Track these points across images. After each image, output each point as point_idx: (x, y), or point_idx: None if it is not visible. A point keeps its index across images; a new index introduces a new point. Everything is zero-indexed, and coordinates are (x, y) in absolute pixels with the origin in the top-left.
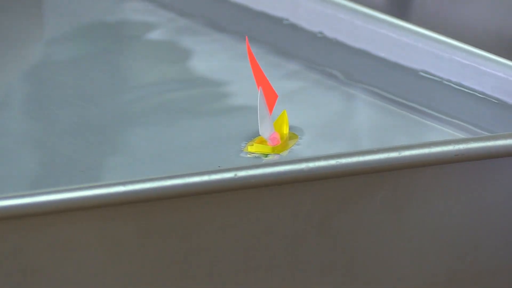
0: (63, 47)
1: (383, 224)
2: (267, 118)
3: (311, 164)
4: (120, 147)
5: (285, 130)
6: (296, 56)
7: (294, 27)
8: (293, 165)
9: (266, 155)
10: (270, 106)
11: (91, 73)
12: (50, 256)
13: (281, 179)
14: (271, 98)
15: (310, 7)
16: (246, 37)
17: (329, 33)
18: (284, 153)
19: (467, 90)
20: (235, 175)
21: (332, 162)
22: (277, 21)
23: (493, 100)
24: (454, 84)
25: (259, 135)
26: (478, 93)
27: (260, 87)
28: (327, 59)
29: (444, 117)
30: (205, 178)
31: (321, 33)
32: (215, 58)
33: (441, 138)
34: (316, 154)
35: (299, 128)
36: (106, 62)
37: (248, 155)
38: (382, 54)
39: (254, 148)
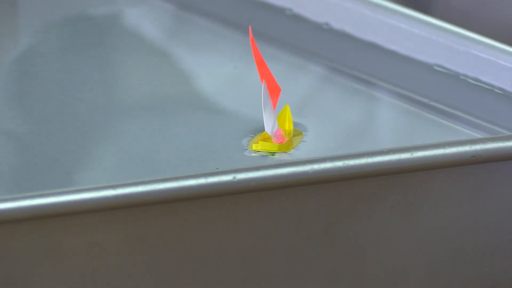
0: (49, 40)
1: (393, 231)
2: (271, 113)
3: (316, 166)
4: (110, 147)
5: (290, 126)
6: (300, 49)
7: (297, 18)
8: (297, 167)
9: (273, 154)
10: (274, 101)
11: (78, 68)
12: (33, 265)
13: (283, 182)
14: (274, 92)
15: None
16: (250, 27)
17: (336, 24)
18: (291, 151)
19: (485, 86)
20: (234, 177)
21: (339, 163)
22: (280, 12)
23: None
24: (470, 79)
25: (262, 131)
26: (497, 89)
27: (263, 80)
28: (333, 53)
29: (460, 114)
30: (202, 181)
31: (327, 24)
32: (212, 51)
33: (456, 138)
34: (322, 152)
35: (302, 125)
36: (95, 56)
37: (253, 154)
38: (393, 47)
39: (259, 146)
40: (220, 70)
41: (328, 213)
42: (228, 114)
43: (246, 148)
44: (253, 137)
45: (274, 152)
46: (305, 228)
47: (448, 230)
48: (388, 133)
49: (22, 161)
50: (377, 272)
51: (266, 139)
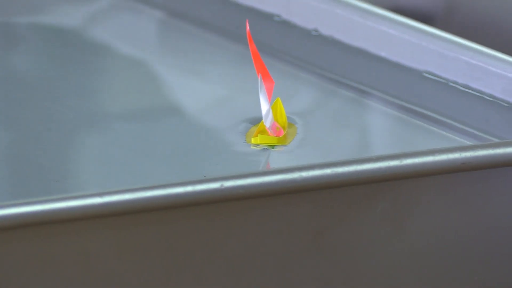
0: (30, 46)
1: (383, 239)
2: (268, 106)
3: (305, 174)
4: (96, 154)
5: (283, 119)
6: (289, 56)
7: (286, 24)
8: (285, 175)
9: (273, 147)
10: (268, 94)
11: (64, 75)
12: (19, 273)
13: (272, 190)
14: (268, 85)
15: (303, 2)
16: (247, 20)
17: (325, 30)
18: (288, 144)
19: (475, 93)
20: (222, 185)
21: (328, 171)
22: (268, 18)
23: (504, 104)
24: (460, 86)
25: (255, 125)
26: (487, 96)
27: (259, 73)
28: (323, 59)
29: (449, 121)
30: (189, 188)
31: (316, 30)
32: (200, 58)
33: (446, 145)
34: (317, 147)
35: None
36: (81, 63)
37: (253, 147)
38: (382, 53)
39: (259, 139)
40: (208, 77)
41: (317, 220)
42: (216, 120)
43: (245, 142)
44: (249, 129)
45: (274, 145)
46: (295, 236)
47: (438, 237)
48: (377, 140)
49: (8, 169)
50: (367, 280)
51: (263, 131)
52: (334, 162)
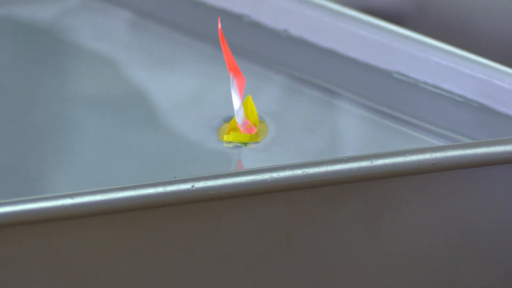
0: (3, 48)
1: (354, 240)
2: (240, 103)
3: (275, 174)
4: (67, 155)
5: (255, 117)
6: (258, 56)
7: (255, 25)
8: (256, 175)
9: (245, 144)
10: (240, 92)
11: (33, 74)
12: None
13: (243, 191)
14: (240, 83)
15: (273, 2)
16: (219, 18)
17: (295, 31)
18: (260, 141)
19: (445, 94)
20: (193, 186)
21: (298, 172)
22: (237, 19)
23: (474, 104)
24: (431, 86)
25: (227, 122)
26: (458, 97)
27: (231, 71)
28: (292, 60)
29: (419, 122)
30: (160, 189)
31: (285, 31)
32: (171, 59)
33: (417, 146)
34: (290, 145)
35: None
36: (51, 65)
37: (225, 145)
38: (352, 54)
39: (231, 137)
40: (179, 76)
41: (288, 221)
42: (188, 118)
43: (217, 139)
44: (221, 126)
45: (246, 143)
46: (266, 236)
47: (409, 238)
48: (347, 141)
49: None
50: (338, 281)
51: (234, 128)
52: (304, 163)
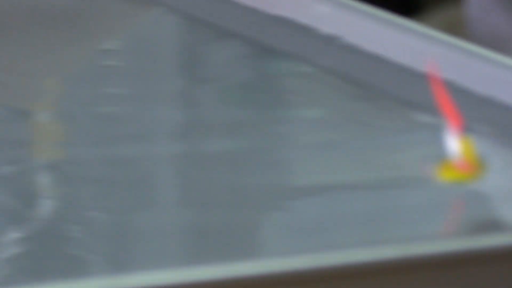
0: None
1: None
2: (455, 140)
3: None
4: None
5: (472, 155)
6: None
7: None
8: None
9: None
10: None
11: None
12: None
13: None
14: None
15: None
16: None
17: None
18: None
19: None
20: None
21: None
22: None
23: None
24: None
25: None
26: None
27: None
28: (242, 27)
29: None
30: None
31: None
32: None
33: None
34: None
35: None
36: None
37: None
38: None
39: (450, 175)
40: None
41: None
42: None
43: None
44: (433, 165)
45: (465, 182)
46: None
47: None
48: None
49: None
50: None
51: (452, 167)
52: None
